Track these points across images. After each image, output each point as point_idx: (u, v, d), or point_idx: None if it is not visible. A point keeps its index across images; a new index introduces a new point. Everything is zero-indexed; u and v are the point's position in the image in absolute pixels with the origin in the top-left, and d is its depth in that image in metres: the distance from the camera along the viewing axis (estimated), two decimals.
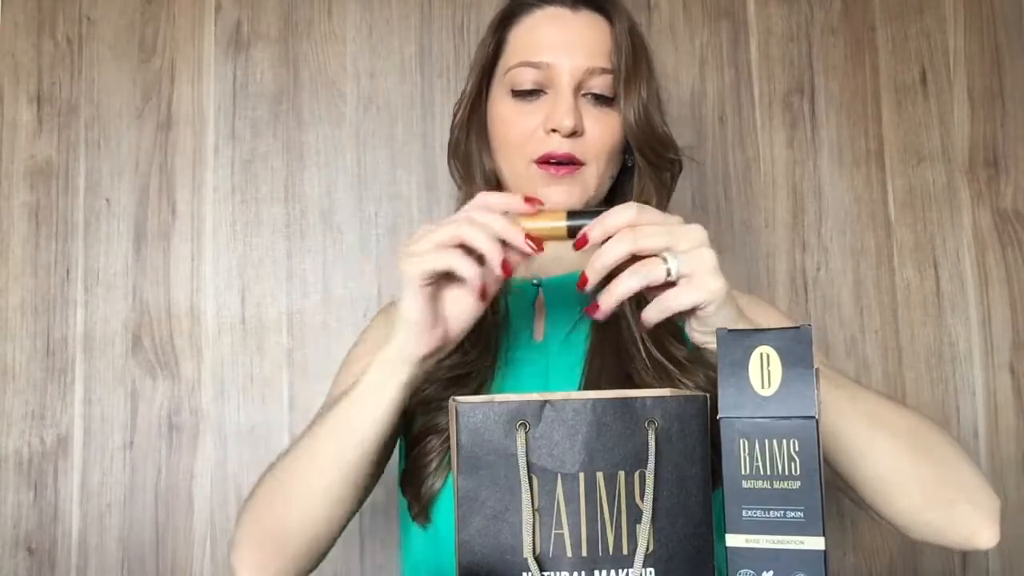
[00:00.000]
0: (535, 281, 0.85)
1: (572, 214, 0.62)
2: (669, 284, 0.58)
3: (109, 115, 1.27)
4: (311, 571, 0.73)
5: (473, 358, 0.78)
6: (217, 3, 1.30)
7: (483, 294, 0.63)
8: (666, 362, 0.76)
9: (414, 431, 0.77)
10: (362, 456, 0.67)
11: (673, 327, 0.78)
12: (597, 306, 0.60)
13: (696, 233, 0.59)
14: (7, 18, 1.28)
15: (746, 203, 1.31)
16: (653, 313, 0.59)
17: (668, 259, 0.58)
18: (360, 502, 0.73)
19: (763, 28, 1.34)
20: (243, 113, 1.28)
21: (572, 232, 0.62)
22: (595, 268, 0.59)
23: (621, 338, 0.79)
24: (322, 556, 0.73)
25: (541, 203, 0.63)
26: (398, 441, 0.82)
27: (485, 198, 0.63)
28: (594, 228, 0.59)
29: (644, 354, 0.77)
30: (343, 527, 0.73)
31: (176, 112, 1.28)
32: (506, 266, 0.61)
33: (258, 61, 1.29)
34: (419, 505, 0.74)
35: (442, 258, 0.60)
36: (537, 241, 0.62)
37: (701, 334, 0.61)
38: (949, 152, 1.32)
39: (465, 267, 0.60)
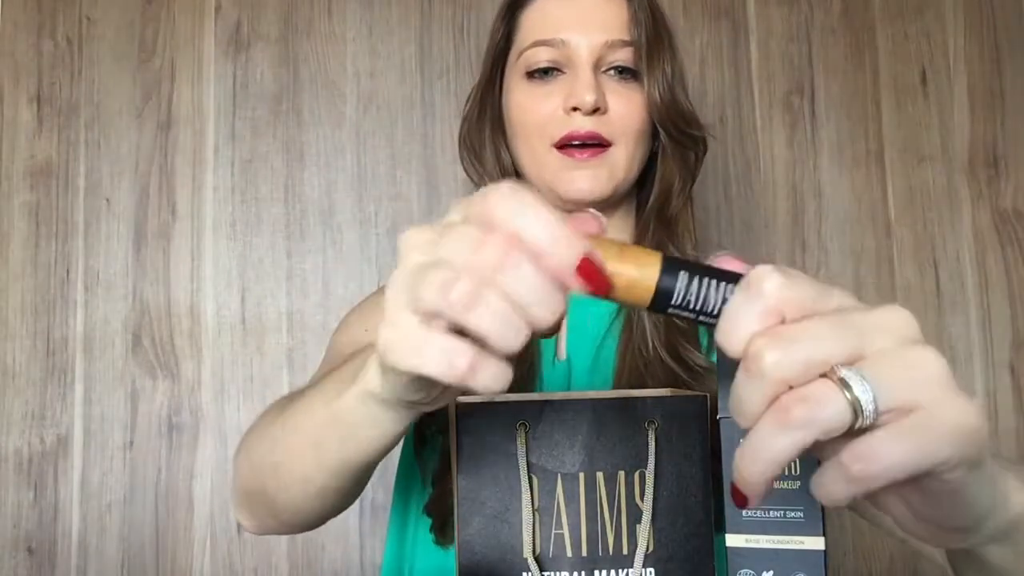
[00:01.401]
0: None
1: (671, 265, 0.34)
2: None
3: (109, 115, 1.27)
4: (317, 525, 0.66)
5: None
6: (217, 3, 1.30)
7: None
8: (679, 370, 0.71)
9: (441, 456, 0.71)
10: (344, 470, 0.53)
11: (687, 327, 0.74)
12: (743, 496, 0.32)
13: (895, 319, 0.32)
14: (7, 18, 1.28)
15: (746, 203, 1.31)
16: (837, 488, 0.31)
17: (851, 380, 0.30)
18: (357, 490, 0.64)
19: (763, 28, 1.34)
20: (243, 113, 1.28)
21: (661, 297, 0.34)
22: (747, 465, 0.32)
23: (642, 350, 0.73)
24: (322, 521, 0.65)
25: (603, 225, 0.36)
26: (416, 457, 0.78)
27: (524, 219, 0.33)
28: (725, 335, 0.32)
29: (658, 361, 0.72)
30: (339, 507, 0.63)
31: (176, 112, 1.28)
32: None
33: (258, 61, 1.29)
34: (450, 535, 0.68)
35: (429, 360, 0.35)
36: (601, 282, 0.34)
37: (927, 507, 0.33)
38: (949, 152, 1.32)
39: (458, 372, 0.34)
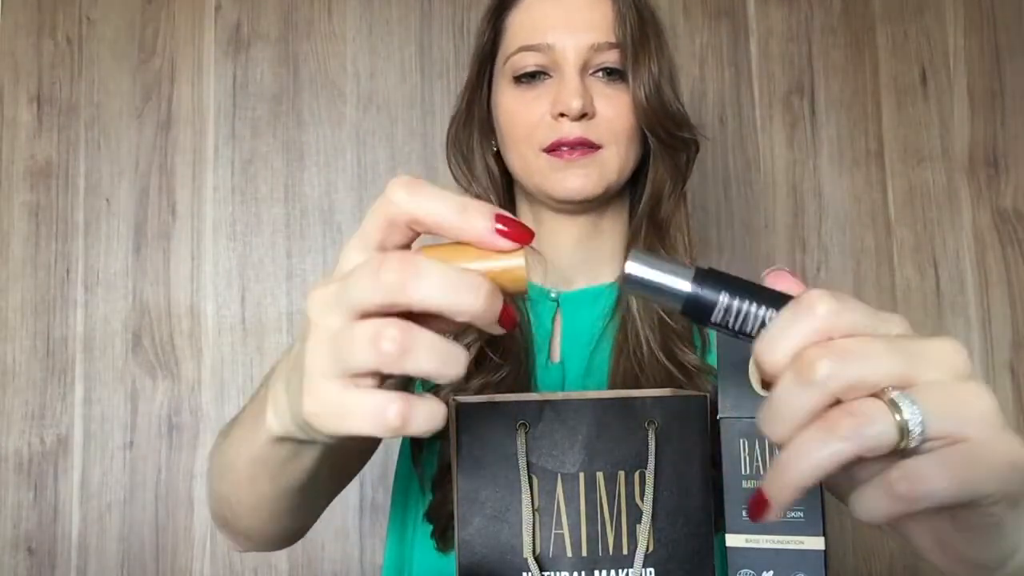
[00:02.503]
0: (552, 295, 0.78)
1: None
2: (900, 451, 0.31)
3: (109, 115, 1.27)
4: (294, 540, 0.66)
5: (500, 379, 0.71)
6: (217, 3, 1.30)
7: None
8: (675, 371, 0.70)
9: (441, 463, 0.71)
10: (288, 496, 0.51)
11: (682, 329, 0.73)
12: (766, 502, 0.31)
13: (949, 352, 0.32)
14: (7, 18, 1.28)
15: (746, 203, 1.31)
16: (878, 505, 0.30)
17: (900, 402, 0.30)
18: (322, 503, 0.63)
19: (763, 28, 1.34)
20: (243, 113, 1.28)
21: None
22: (785, 468, 0.30)
23: (637, 352, 0.72)
24: (297, 536, 0.65)
25: (531, 235, 0.36)
26: (414, 462, 0.76)
27: (414, 205, 0.37)
28: (768, 346, 0.32)
29: (654, 363, 0.71)
30: (307, 522, 0.63)
31: (176, 112, 1.28)
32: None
33: (258, 61, 1.29)
34: (450, 541, 0.67)
35: (361, 422, 0.34)
36: (510, 318, 0.35)
37: (963, 542, 0.33)
38: (949, 152, 1.32)
39: (392, 426, 0.34)
